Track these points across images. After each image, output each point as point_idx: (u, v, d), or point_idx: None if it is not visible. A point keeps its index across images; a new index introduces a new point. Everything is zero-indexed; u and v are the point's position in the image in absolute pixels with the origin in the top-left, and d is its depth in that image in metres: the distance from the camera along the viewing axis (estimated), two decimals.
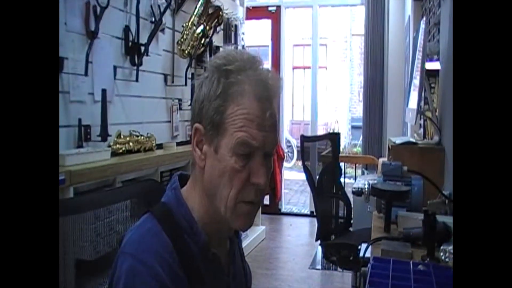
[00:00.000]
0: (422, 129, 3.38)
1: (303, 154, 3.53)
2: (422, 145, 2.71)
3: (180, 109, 3.64)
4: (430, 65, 2.84)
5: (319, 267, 4.55)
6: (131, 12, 2.97)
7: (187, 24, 3.50)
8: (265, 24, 6.86)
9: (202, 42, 3.63)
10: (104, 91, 2.60)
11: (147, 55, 3.09)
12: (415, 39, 3.16)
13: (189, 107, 3.44)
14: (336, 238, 3.35)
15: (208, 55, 3.90)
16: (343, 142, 12.04)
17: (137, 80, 3.02)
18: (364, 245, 1.69)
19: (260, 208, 5.47)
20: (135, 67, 3.00)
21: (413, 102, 2.90)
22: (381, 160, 3.41)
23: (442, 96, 2.71)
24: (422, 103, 2.90)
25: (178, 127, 3.61)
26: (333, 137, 3.34)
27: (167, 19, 3.42)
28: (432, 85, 2.99)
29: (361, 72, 9.07)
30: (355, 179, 5.05)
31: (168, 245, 0.95)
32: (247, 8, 5.61)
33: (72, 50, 2.44)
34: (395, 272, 1.26)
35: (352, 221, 3.43)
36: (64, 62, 2.37)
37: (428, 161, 2.48)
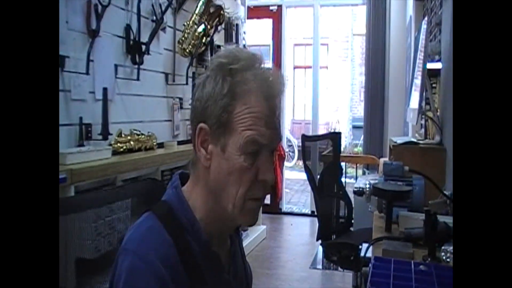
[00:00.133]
0: (423, 129, 3.37)
1: (304, 154, 3.53)
2: (424, 145, 2.71)
3: (181, 108, 3.64)
4: (431, 65, 2.84)
5: (319, 266, 4.55)
6: (132, 11, 2.97)
7: (188, 23, 3.49)
8: (266, 24, 6.86)
9: (203, 41, 3.63)
10: (105, 90, 2.60)
11: (148, 53, 3.09)
12: (417, 39, 3.16)
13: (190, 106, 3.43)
14: (337, 237, 3.34)
15: (209, 54, 3.90)
16: (344, 142, 12.04)
17: (138, 79, 3.02)
18: (365, 245, 1.69)
19: (261, 208, 5.47)
20: (136, 66, 3.00)
21: (414, 102, 2.90)
22: (382, 160, 3.42)
23: (444, 96, 2.71)
24: (423, 103, 2.90)
25: (179, 126, 3.61)
26: (334, 137, 3.33)
27: (168, 17, 3.41)
28: (434, 85, 2.99)
29: (362, 72, 9.07)
30: (356, 179, 5.05)
31: (169, 243, 0.95)
32: (248, 7, 5.61)
33: (73, 49, 2.44)
34: (396, 272, 1.26)
35: (352, 221, 3.42)
36: (65, 60, 2.37)
37: (430, 161, 2.48)
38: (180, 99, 3.64)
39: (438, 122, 2.73)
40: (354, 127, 12.52)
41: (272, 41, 6.67)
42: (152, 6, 3.18)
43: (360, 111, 10.82)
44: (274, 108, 0.98)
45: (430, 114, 2.89)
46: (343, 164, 4.50)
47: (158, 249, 0.93)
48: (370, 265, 1.33)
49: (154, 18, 3.19)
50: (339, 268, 4.23)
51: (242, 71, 0.96)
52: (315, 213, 3.72)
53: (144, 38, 3.06)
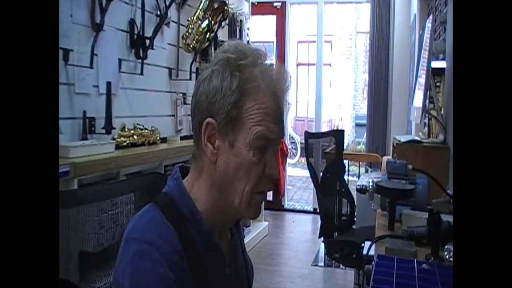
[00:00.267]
0: (427, 128, 3.37)
1: (307, 151, 3.53)
2: (427, 144, 2.71)
3: (185, 103, 3.63)
4: (435, 64, 2.83)
5: (321, 264, 4.55)
6: (137, 5, 2.96)
7: (192, 18, 3.49)
8: (270, 20, 6.85)
9: (207, 36, 3.62)
10: (109, 84, 2.60)
11: (152, 48, 3.08)
12: (421, 38, 3.15)
13: None
14: (339, 235, 3.34)
15: (213, 50, 3.89)
16: (347, 139, 12.02)
17: (141, 73, 3.01)
18: (367, 243, 1.68)
19: (263, 204, 5.49)
20: (140, 60, 2.99)
21: (418, 101, 2.89)
22: (385, 158, 3.41)
23: (448, 95, 2.70)
24: (427, 102, 2.89)
25: (182, 121, 3.61)
26: (337, 134, 3.33)
27: (172, 12, 3.41)
28: (438, 84, 2.98)
29: (365, 70, 9.07)
30: (359, 176, 5.06)
31: (173, 232, 0.95)
32: (252, 4, 5.61)
33: (77, 42, 2.44)
34: (399, 271, 1.26)
35: (355, 219, 3.42)
36: (69, 54, 2.37)
37: (433, 160, 2.47)
38: (184, 94, 3.64)
39: (442, 121, 2.73)
40: (357, 124, 12.50)
41: (276, 38, 6.66)
42: (157, 1, 3.17)
43: (363, 109, 10.80)
44: (281, 104, 1.00)
45: (434, 113, 2.88)
46: (345, 161, 4.50)
47: (163, 235, 0.94)
48: (373, 263, 1.33)
49: (158, 13, 3.19)
50: (341, 266, 4.23)
51: (250, 67, 0.97)
52: (318, 210, 3.73)
53: (148, 32, 3.05)
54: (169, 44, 3.43)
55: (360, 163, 5.83)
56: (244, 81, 0.96)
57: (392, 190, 1.82)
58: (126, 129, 2.78)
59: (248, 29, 5.08)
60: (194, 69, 3.66)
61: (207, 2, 3.55)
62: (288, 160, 7.03)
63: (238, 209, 1.01)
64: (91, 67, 2.50)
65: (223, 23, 4.04)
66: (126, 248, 0.93)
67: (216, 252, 1.04)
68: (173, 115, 3.54)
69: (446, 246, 1.46)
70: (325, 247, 3.67)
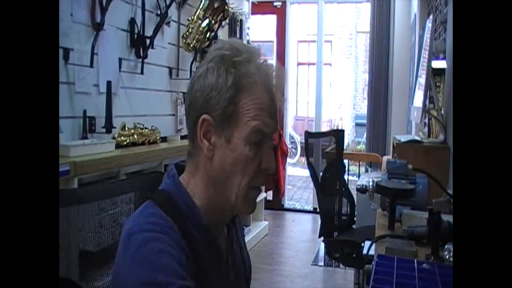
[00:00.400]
0: (427, 128, 3.37)
1: (307, 151, 3.53)
2: (427, 144, 2.70)
3: (184, 103, 3.63)
4: (436, 64, 2.83)
5: (321, 263, 4.55)
6: (137, 5, 2.96)
7: (192, 17, 3.49)
8: (270, 20, 6.85)
9: (207, 36, 3.62)
10: (109, 83, 2.60)
11: (152, 48, 3.08)
12: (421, 37, 3.15)
13: None
14: (339, 235, 3.35)
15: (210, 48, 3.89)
16: (347, 139, 12.02)
17: (142, 72, 3.01)
18: (367, 243, 1.69)
19: (263, 204, 5.50)
20: (140, 60, 3.00)
21: (418, 101, 2.89)
22: (385, 158, 3.41)
23: (448, 95, 2.70)
24: (427, 102, 2.89)
25: (183, 120, 3.61)
26: (337, 134, 3.34)
27: (172, 12, 3.41)
28: (438, 83, 2.98)
29: (365, 70, 9.06)
30: (359, 176, 5.05)
31: (173, 225, 0.95)
32: (253, 3, 5.60)
33: (77, 41, 2.44)
34: (399, 270, 1.26)
35: (355, 219, 3.42)
36: (69, 53, 2.37)
37: (433, 160, 2.47)
38: (184, 93, 3.62)
39: (442, 121, 2.72)
40: (357, 124, 12.51)
41: (276, 37, 6.66)
42: (157, 0, 3.17)
43: (363, 109, 10.81)
44: (275, 99, 1.02)
45: (434, 112, 2.88)
46: (346, 161, 4.50)
47: (166, 226, 0.94)
48: (373, 262, 1.33)
49: (159, 12, 3.19)
50: (341, 265, 4.24)
51: (245, 64, 0.98)
52: (318, 210, 3.73)
53: (149, 32, 3.05)
54: (169, 43, 3.43)
55: (360, 162, 5.82)
56: (240, 77, 0.97)
57: (392, 189, 1.82)
58: (127, 128, 2.78)
59: (248, 28, 5.08)
60: (194, 69, 3.66)
61: (208, 2, 3.55)
62: (288, 160, 7.03)
63: (234, 205, 1.02)
64: (91, 66, 2.50)
65: (223, 23, 4.03)
66: (129, 241, 0.92)
67: (214, 246, 1.05)
68: (173, 115, 3.54)
69: (446, 246, 1.46)
70: (325, 247, 3.67)
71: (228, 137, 0.98)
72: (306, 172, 3.43)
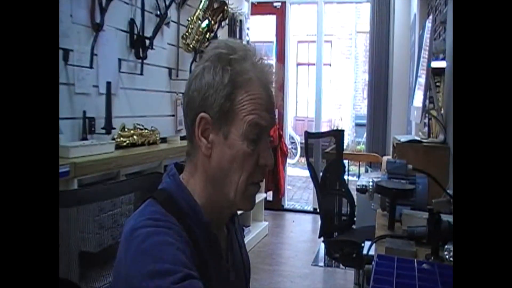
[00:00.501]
0: (427, 128, 3.37)
1: (307, 151, 3.53)
2: (427, 144, 2.70)
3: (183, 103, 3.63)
4: (435, 64, 2.83)
5: (321, 264, 4.55)
6: (137, 5, 2.96)
7: (192, 18, 3.49)
8: (270, 20, 6.85)
9: (207, 36, 3.62)
10: (109, 84, 2.60)
11: (152, 48, 3.08)
12: (421, 37, 3.15)
13: None
14: (339, 235, 3.35)
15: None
16: (347, 139, 12.02)
17: (141, 73, 3.02)
18: (367, 243, 1.68)
19: (263, 204, 5.50)
20: (140, 60, 3.00)
21: (418, 101, 2.89)
22: (385, 158, 3.40)
23: (448, 94, 2.70)
24: (427, 102, 2.89)
25: (182, 121, 3.59)
26: (337, 134, 3.33)
27: (172, 12, 3.41)
28: (438, 83, 2.98)
29: (365, 70, 9.07)
30: (359, 176, 5.05)
31: (176, 224, 0.96)
32: (252, 4, 5.60)
33: (77, 42, 2.44)
34: (399, 270, 1.26)
35: (355, 219, 3.42)
36: (69, 54, 2.37)
37: (433, 160, 2.47)
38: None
39: (442, 121, 2.72)
40: (357, 124, 12.50)
41: (276, 38, 6.66)
42: (156, 0, 3.18)
43: (363, 109, 10.81)
44: (272, 95, 1.03)
45: (434, 112, 2.88)
46: (345, 161, 4.50)
47: (169, 221, 0.95)
48: (373, 263, 1.33)
49: (158, 12, 3.19)
50: (341, 266, 4.23)
51: (241, 61, 0.99)
52: (318, 210, 3.73)
53: (148, 32, 3.05)
54: (169, 44, 3.43)
55: (360, 163, 5.82)
56: (236, 75, 0.98)
57: (392, 190, 1.82)
58: (126, 129, 2.78)
59: (248, 29, 5.09)
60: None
61: (207, 2, 3.55)
62: (288, 160, 7.03)
63: (233, 201, 1.02)
64: (91, 67, 2.50)
65: (223, 23, 4.04)
66: (131, 237, 0.91)
67: (215, 245, 1.05)
68: (173, 115, 3.54)
69: (446, 246, 1.46)
70: (325, 247, 3.67)
71: (226, 134, 0.99)
72: (306, 173, 3.44)
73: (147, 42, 3.03)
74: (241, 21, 4.82)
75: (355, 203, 3.30)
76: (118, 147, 2.63)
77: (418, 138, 2.88)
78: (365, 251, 1.65)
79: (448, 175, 2.42)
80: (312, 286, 4.04)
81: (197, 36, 3.48)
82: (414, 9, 4.92)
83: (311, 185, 4.57)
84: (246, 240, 1.24)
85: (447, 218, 1.55)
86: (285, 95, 6.48)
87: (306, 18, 10.47)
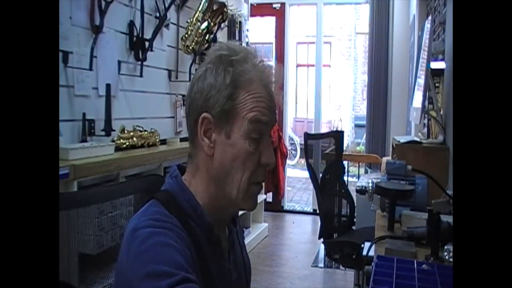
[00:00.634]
0: (426, 129, 3.37)
1: (307, 152, 3.53)
2: (427, 145, 2.71)
3: (184, 105, 3.61)
4: (435, 65, 2.83)
5: (321, 265, 4.55)
6: (136, 7, 2.97)
7: (191, 20, 3.49)
8: (269, 21, 6.85)
9: (207, 38, 3.62)
10: (108, 86, 2.60)
11: (152, 50, 3.09)
12: (420, 38, 3.15)
13: None
14: (339, 236, 3.34)
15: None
16: (346, 140, 12.02)
17: (141, 75, 3.02)
18: (367, 244, 1.68)
19: (263, 205, 5.49)
20: (140, 62, 3.00)
21: (417, 101, 2.89)
22: (384, 159, 3.40)
23: (447, 95, 2.70)
24: (426, 103, 2.89)
25: (182, 122, 3.61)
26: (337, 135, 3.33)
27: (171, 14, 3.41)
28: (437, 84, 2.98)
29: (365, 71, 9.06)
30: (358, 177, 5.05)
31: (178, 224, 0.97)
32: (252, 5, 5.60)
33: (77, 44, 2.44)
34: (399, 271, 1.26)
35: (355, 220, 3.42)
36: (68, 56, 2.37)
37: (433, 161, 2.47)
38: (183, 96, 3.64)
39: (441, 122, 2.73)
40: (357, 125, 12.50)
41: (275, 39, 6.67)
42: (156, 2, 3.17)
43: (362, 110, 10.81)
44: (273, 94, 1.05)
45: (433, 113, 2.88)
46: (345, 162, 4.50)
47: (171, 222, 0.96)
48: (372, 263, 1.33)
49: (158, 14, 3.19)
50: (341, 267, 4.23)
51: (242, 62, 1.01)
52: (317, 211, 3.73)
53: (148, 34, 3.06)
54: (168, 46, 3.44)
55: (360, 164, 5.82)
56: (237, 75, 1.00)
57: (391, 190, 1.82)
58: (126, 131, 2.78)
59: (247, 30, 5.08)
60: (193, 71, 3.66)
61: (206, 4, 3.55)
62: (288, 161, 7.03)
63: (235, 201, 1.03)
64: (90, 69, 2.50)
65: (222, 25, 4.04)
66: (133, 237, 0.92)
67: (217, 246, 1.06)
68: (173, 117, 3.54)
69: (445, 247, 1.46)
70: (325, 248, 3.67)
71: (228, 133, 1.00)
72: (306, 174, 3.44)
73: (147, 44, 3.03)
74: (240, 22, 4.82)
75: (355, 204, 3.30)
76: (118, 149, 2.63)
77: (418, 139, 2.88)
78: (364, 252, 1.65)
79: (447, 176, 2.42)
80: (312, 287, 4.04)
81: (196, 38, 3.48)
82: (413, 10, 4.93)
83: (311, 186, 4.57)
84: (246, 241, 1.24)
85: (447, 218, 1.55)
86: (284, 96, 6.48)
87: (305, 19, 10.48)
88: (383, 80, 5.88)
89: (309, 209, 6.72)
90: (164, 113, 3.43)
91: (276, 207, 6.44)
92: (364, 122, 6.47)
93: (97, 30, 2.55)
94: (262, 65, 1.05)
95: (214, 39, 3.87)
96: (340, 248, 3.13)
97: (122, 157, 2.51)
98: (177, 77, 3.54)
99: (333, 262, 4.31)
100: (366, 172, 5.56)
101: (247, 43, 4.97)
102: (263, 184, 1.09)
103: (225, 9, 3.87)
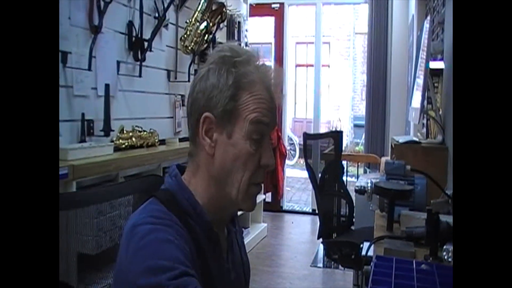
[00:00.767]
0: (425, 129, 3.37)
1: (306, 152, 3.52)
2: (425, 145, 2.71)
3: (183, 105, 3.63)
4: (434, 65, 2.83)
5: (320, 265, 4.55)
6: (135, 8, 2.97)
7: (190, 20, 3.49)
8: (268, 22, 6.85)
9: (206, 38, 3.62)
10: (107, 86, 2.60)
11: (151, 50, 3.08)
12: (419, 38, 3.16)
13: None
14: (338, 236, 3.34)
15: (211, 52, 3.89)
16: (346, 140, 12.03)
17: (140, 75, 3.01)
18: (366, 244, 1.68)
19: (262, 205, 5.49)
20: (138, 63, 3.00)
21: (416, 101, 2.89)
22: (383, 159, 3.41)
23: (446, 95, 2.70)
24: (425, 103, 2.89)
25: (181, 123, 3.61)
26: (336, 135, 3.34)
27: (170, 15, 3.41)
28: (436, 84, 2.98)
29: (364, 71, 9.06)
30: (357, 177, 5.05)
31: (177, 222, 0.97)
32: (251, 5, 5.60)
33: (76, 45, 2.44)
34: (398, 271, 1.26)
35: (354, 220, 3.42)
36: (67, 56, 2.37)
37: (432, 161, 2.47)
38: (182, 96, 3.64)
39: (440, 122, 2.73)
40: (356, 125, 12.51)
41: (274, 39, 6.66)
42: (155, 3, 3.17)
43: (361, 110, 10.82)
44: (274, 97, 1.06)
45: (432, 113, 2.89)
46: (344, 162, 4.50)
47: (171, 220, 0.96)
48: (371, 263, 1.33)
49: (157, 15, 3.19)
50: (340, 267, 4.23)
51: (245, 64, 1.02)
52: (316, 211, 3.72)
53: (147, 35, 3.05)
54: (167, 46, 3.44)
55: (359, 164, 5.82)
56: (240, 76, 1.01)
57: (390, 190, 1.82)
58: (125, 131, 2.78)
59: (246, 30, 5.09)
60: (192, 71, 3.66)
61: (206, 4, 3.55)
62: (287, 162, 7.03)
63: (235, 201, 1.04)
64: (89, 69, 2.50)
65: (221, 25, 4.04)
66: (133, 234, 0.93)
67: (216, 245, 1.07)
68: (172, 117, 3.54)
69: (444, 247, 1.46)
70: (324, 248, 3.67)
71: (230, 133, 1.01)
72: (305, 174, 3.45)
73: (146, 44, 3.03)
74: (239, 22, 4.82)
75: (354, 204, 3.30)
76: (117, 149, 2.63)
77: (417, 139, 2.88)
78: (363, 252, 1.65)
79: (446, 176, 2.42)
80: (311, 287, 4.04)
81: (195, 38, 3.48)
82: (412, 10, 4.93)
83: (310, 186, 4.57)
84: (245, 241, 1.24)
85: (446, 218, 1.55)
86: (283, 96, 6.47)
87: (304, 19, 10.49)
88: (382, 80, 5.88)
89: (308, 209, 6.72)
90: (163, 113, 3.43)
91: (275, 207, 6.44)
92: (363, 122, 6.47)
93: (96, 30, 2.54)
94: (265, 68, 1.05)
95: (213, 40, 3.87)
96: (339, 248, 3.13)
97: (121, 158, 2.51)
98: (176, 77, 3.54)
99: (332, 262, 4.31)
100: (365, 172, 5.56)
101: (246, 43, 4.97)
102: (262, 185, 1.09)
103: (224, 9, 3.87)
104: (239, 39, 4.79)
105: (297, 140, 10.88)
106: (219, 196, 1.05)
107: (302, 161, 10.33)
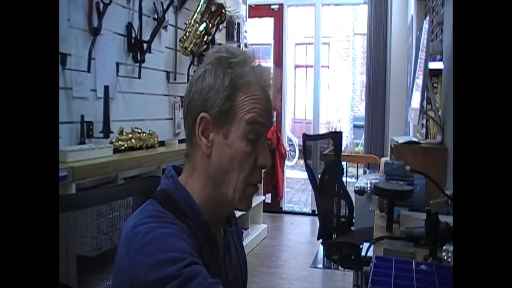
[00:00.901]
0: (424, 129, 3.37)
1: (305, 153, 3.52)
2: (425, 145, 2.71)
3: (182, 106, 3.62)
4: (433, 65, 2.83)
5: (320, 266, 4.55)
6: (134, 9, 2.97)
7: (189, 21, 3.49)
8: (268, 22, 6.86)
9: (205, 39, 3.62)
10: (106, 88, 2.60)
11: (150, 52, 3.08)
12: (418, 39, 3.16)
13: None
14: (338, 237, 3.35)
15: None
16: (345, 141, 12.03)
17: (139, 77, 3.01)
18: (366, 244, 1.68)
19: (262, 206, 5.49)
20: (138, 64, 2.99)
21: (415, 102, 2.90)
22: (383, 159, 3.41)
23: (445, 95, 2.70)
24: (424, 103, 2.89)
25: (180, 124, 3.61)
26: (335, 136, 3.34)
27: (169, 16, 3.41)
28: (435, 84, 2.99)
29: (363, 71, 9.06)
30: (357, 178, 5.05)
31: (176, 222, 0.97)
32: (250, 6, 5.60)
33: (75, 46, 2.44)
34: (397, 272, 1.26)
35: (353, 220, 3.42)
36: (67, 58, 2.37)
37: (431, 161, 2.48)
38: (182, 97, 3.63)
39: (440, 122, 2.73)
40: (355, 126, 12.51)
41: (274, 40, 6.67)
42: (154, 4, 3.17)
43: (361, 110, 10.82)
44: (270, 97, 1.07)
45: (431, 113, 2.89)
46: (344, 163, 4.50)
47: (170, 218, 0.97)
48: (371, 264, 1.33)
49: (156, 16, 3.19)
50: (340, 267, 4.23)
51: (241, 65, 1.03)
52: (316, 212, 3.72)
53: (146, 36, 3.05)
54: (166, 47, 3.44)
55: (358, 164, 5.82)
56: (236, 77, 1.01)
57: (390, 191, 1.82)
58: (124, 133, 2.78)
59: (245, 31, 5.08)
60: (192, 72, 3.66)
61: (205, 5, 3.55)
62: (287, 162, 7.03)
63: (232, 201, 1.05)
64: (88, 71, 2.50)
65: (220, 26, 4.04)
66: (133, 234, 0.93)
67: (214, 245, 1.07)
68: (171, 119, 3.54)
69: (444, 247, 1.46)
70: (323, 249, 3.67)
71: (226, 133, 1.02)
72: (305, 175, 3.45)
73: (145, 45, 3.03)
74: (238, 23, 4.82)
75: (353, 205, 3.30)
76: (116, 151, 2.63)
77: (416, 139, 2.88)
78: (363, 253, 1.65)
79: (446, 176, 2.42)
80: None
81: (194, 39, 3.48)
82: (411, 11, 4.93)
83: (310, 187, 4.58)
84: (244, 242, 1.24)
85: (445, 219, 1.55)
86: (283, 97, 6.48)
87: (303, 20, 10.50)
88: (381, 81, 5.88)
89: (308, 210, 6.72)
90: (162, 115, 3.43)
91: (275, 208, 6.44)
92: (362, 123, 6.47)
93: (95, 32, 2.54)
94: (260, 68, 1.06)
95: (213, 41, 3.87)
96: (339, 249, 3.13)
97: (120, 159, 2.51)
98: (175, 79, 3.54)
99: (332, 263, 4.31)
100: (364, 172, 5.56)
101: (245, 44, 4.97)
102: (259, 185, 1.10)
103: (223, 11, 3.88)
104: (238, 40, 4.79)
105: (297, 141, 10.88)
106: (215, 196, 1.05)
107: (301, 162, 10.33)
